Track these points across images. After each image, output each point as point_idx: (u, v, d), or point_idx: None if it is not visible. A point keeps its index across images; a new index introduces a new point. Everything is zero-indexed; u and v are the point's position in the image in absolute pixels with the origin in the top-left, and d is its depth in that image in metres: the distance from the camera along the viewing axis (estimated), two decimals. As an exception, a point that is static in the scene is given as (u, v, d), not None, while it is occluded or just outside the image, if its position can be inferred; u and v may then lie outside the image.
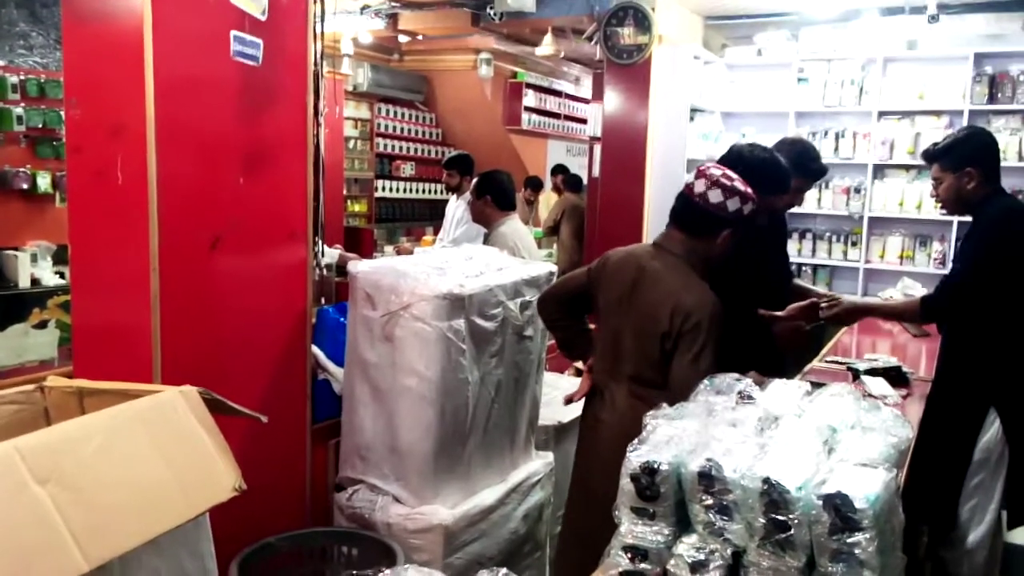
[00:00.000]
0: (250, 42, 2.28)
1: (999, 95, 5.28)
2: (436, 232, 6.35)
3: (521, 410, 2.82)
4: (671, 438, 1.48)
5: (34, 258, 4.43)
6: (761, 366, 2.17)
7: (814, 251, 5.93)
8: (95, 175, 2.15)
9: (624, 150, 5.57)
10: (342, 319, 2.75)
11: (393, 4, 6.30)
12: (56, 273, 4.46)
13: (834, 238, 5.85)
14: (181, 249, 2.17)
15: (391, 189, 8.96)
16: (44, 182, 4.39)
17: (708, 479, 1.37)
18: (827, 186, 5.72)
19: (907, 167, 5.60)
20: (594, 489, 2.25)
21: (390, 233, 8.89)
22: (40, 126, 4.37)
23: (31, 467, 1.24)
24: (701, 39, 6.11)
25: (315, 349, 2.71)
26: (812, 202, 5.73)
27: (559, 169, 8.25)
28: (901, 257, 5.64)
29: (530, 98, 9.02)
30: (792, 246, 5.84)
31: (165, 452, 1.44)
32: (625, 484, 1.45)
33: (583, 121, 9.60)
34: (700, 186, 2.17)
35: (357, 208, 8.63)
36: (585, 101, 9.41)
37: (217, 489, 1.49)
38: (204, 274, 2.27)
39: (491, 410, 2.64)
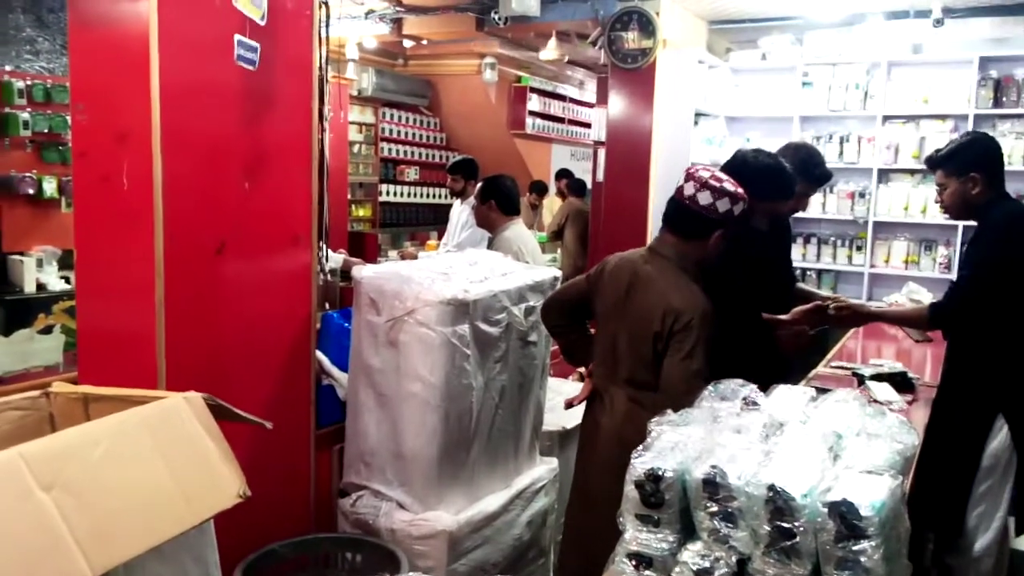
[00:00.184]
0: (249, 46, 2.29)
1: (1004, 99, 5.27)
2: (440, 237, 6.36)
3: (525, 416, 2.82)
4: (676, 445, 1.48)
5: (40, 263, 4.44)
6: (765, 371, 2.16)
7: (819, 255, 5.92)
8: (101, 180, 2.16)
9: (628, 154, 5.57)
10: (346, 324, 2.75)
11: (398, 9, 6.32)
12: (62, 278, 4.47)
13: (839, 242, 5.84)
14: (186, 254, 2.18)
15: (395, 193, 8.97)
16: (50, 187, 4.40)
17: (713, 486, 1.37)
18: (832, 190, 5.71)
19: (912, 171, 5.58)
20: (593, 492, 2.26)
21: (394, 238, 8.90)
22: (46, 131, 4.39)
23: (36, 473, 1.24)
24: (705, 43, 6.11)
25: (319, 354, 2.71)
26: (817, 206, 5.72)
27: (563, 173, 8.26)
28: (906, 262, 5.63)
29: (534, 102, 9.03)
30: (797, 250, 5.84)
31: (169, 458, 1.44)
32: (629, 491, 1.44)
33: (587, 125, 9.63)
34: (689, 188, 2.18)
35: (361, 213, 8.65)
36: (589, 105, 9.43)
37: (221, 496, 1.49)
38: (209, 279, 2.27)
39: (495, 416, 2.63)
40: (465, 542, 2.48)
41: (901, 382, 3.01)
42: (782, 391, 1.75)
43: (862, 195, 5.69)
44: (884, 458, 1.40)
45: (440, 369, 2.40)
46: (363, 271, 2.59)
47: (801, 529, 1.28)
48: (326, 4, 2.65)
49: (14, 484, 1.22)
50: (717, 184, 2.15)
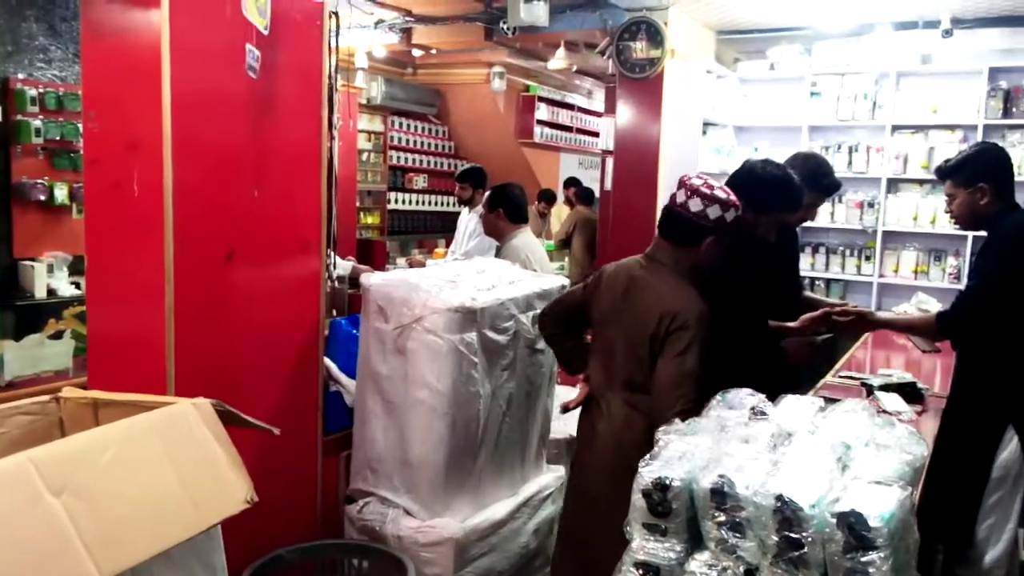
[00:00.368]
0: (254, 55, 2.30)
1: (1014, 109, 5.26)
2: (448, 245, 6.36)
3: (532, 423, 2.81)
4: (683, 454, 1.48)
5: (50, 269, 4.46)
6: (773, 381, 2.16)
7: (827, 265, 5.90)
8: (112, 187, 2.17)
9: (636, 163, 5.58)
10: (354, 331, 2.76)
11: (407, 19, 6.34)
12: (72, 284, 4.49)
13: (848, 252, 5.82)
14: (196, 261, 2.19)
15: (404, 201, 8.99)
16: (61, 194, 4.43)
17: (720, 495, 1.36)
18: (841, 200, 5.69)
19: (921, 181, 5.57)
20: (590, 496, 2.26)
21: (403, 245, 8.92)
22: (58, 138, 4.41)
23: (45, 478, 1.25)
24: (714, 53, 6.12)
25: (327, 361, 2.72)
26: (826, 216, 5.71)
27: (571, 182, 8.26)
28: (915, 272, 5.61)
29: (543, 111, 9.05)
30: (806, 260, 5.83)
31: (178, 464, 1.44)
32: (637, 500, 1.44)
33: (595, 134, 9.61)
34: (681, 196, 2.20)
35: (370, 220, 8.67)
36: (597, 114, 9.43)
37: (229, 501, 1.49)
38: (218, 286, 2.28)
39: (502, 423, 2.63)
40: (472, 549, 2.48)
41: (910, 393, 2.99)
42: (790, 401, 1.74)
43: (871, 205, 5.68)
44: (893, 469, 1.39)
45: (447, 376, 2.40)
46: (371, 278, 2.60)
47: (809, 540, 1.27)
48: (336, 14, 2.67)
49: (24, 488, 1.22)
50: (708, 191, 2.17)
